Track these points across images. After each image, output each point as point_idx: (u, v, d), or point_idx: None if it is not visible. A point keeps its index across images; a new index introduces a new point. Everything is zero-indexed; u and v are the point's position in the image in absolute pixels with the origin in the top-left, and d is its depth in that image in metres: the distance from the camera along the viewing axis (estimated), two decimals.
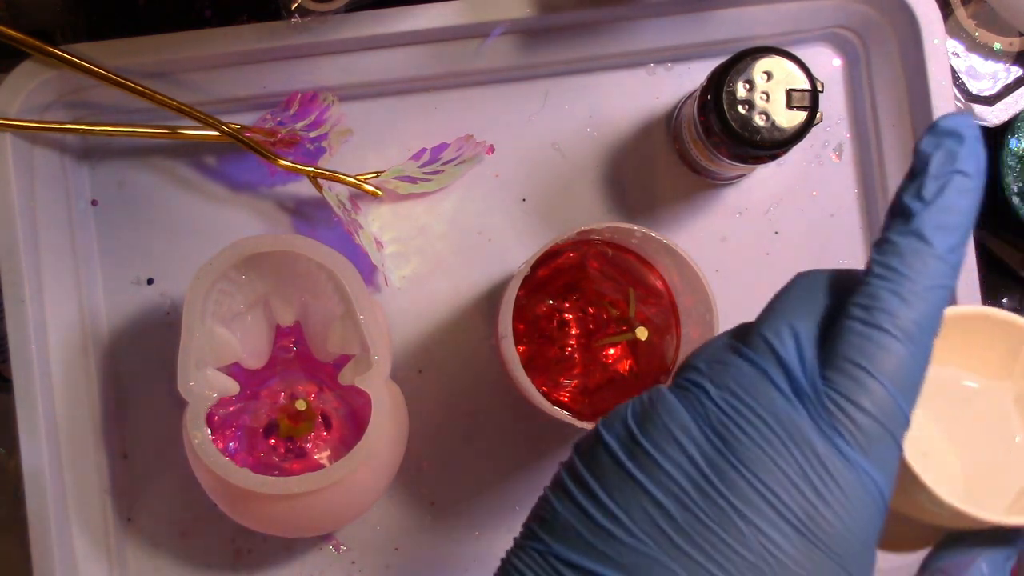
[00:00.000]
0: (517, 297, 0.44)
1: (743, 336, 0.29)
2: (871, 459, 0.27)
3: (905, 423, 0.27)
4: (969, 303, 0.50)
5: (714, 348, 0.30)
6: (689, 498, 0.27)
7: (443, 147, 0.53)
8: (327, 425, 0.50)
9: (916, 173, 0.28)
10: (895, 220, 0.28)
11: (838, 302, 0.29)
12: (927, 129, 0.28)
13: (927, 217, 0.27)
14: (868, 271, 0.28)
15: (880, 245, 0.28)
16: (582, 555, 0.27)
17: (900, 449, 0.28)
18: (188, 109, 0.50)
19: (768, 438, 0.27)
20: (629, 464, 0.28)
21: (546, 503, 0.29)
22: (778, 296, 0.30)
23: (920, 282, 0.27)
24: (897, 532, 0.33)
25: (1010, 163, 0.54)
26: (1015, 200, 0.54)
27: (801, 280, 0.30)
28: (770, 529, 0.26)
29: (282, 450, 0.50)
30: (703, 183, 0.54)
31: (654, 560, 0.26)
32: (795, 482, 0.26)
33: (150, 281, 0.53)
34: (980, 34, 0.56)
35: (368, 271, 0.52)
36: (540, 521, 0.29)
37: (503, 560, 0.29)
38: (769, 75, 0.45)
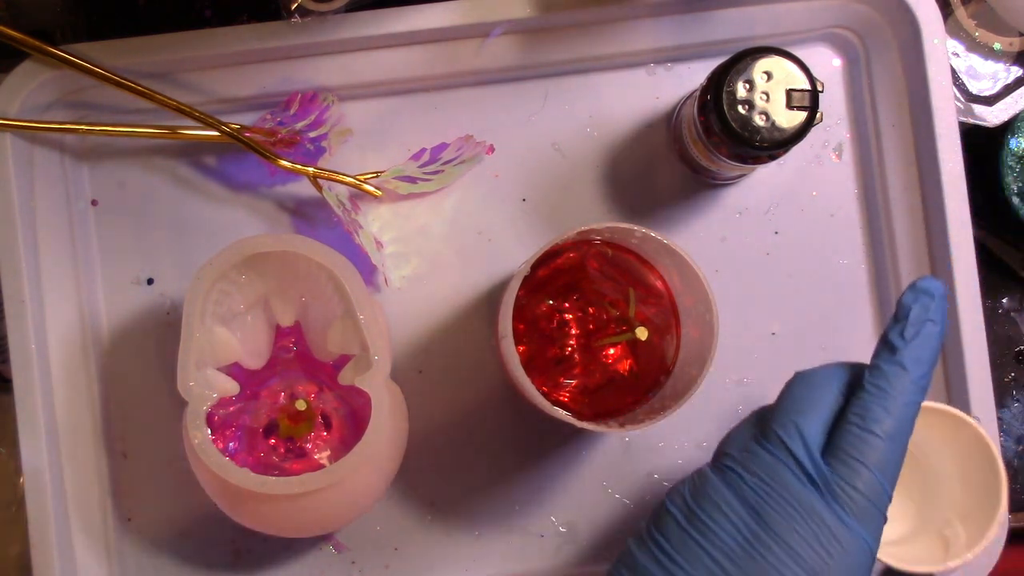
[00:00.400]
0: (517, 297, 0.44)
1: (762, 428, 0.40)
2: (864, 526, 0.37)
3: (888, 499, 0.38)
4: (969, 303, 0.50)
5: (741, 438, 0.40)
6: (735, 554, 0.37)
7: (443, 147, 0.53)
8: (327, 425, 0.50)
9: (899, 319, 0.39)
10: (883, 351, 0.39)
11: (829, 395, 0.39)
12: (909, 287, 0.39)
13: (907, 353, 0.38)
14: (860, 386, 0.39)
15: (872, 370, 0.39)
16: None
17: (885, 519, 0.38)
18: (188, 109, 0.50)
19: (789, 512, 0.37)
20: (689, 528, 0.38)
21: (629, 552, 0.40)
22: (784, 395, 0.40)
23: (900, 399, 0.38)
24: None
25: (1010, 163, 0.54)
26: (1015, 200, 0.54)
27: (800, 380, 0.41)
28: None
29: (282, 450, 0.50)
30: (703, 183, 0.54)
31: None
32: (811, 543, 0.37)
33: (150, 281, 0.53)
34: (980, 34, 0.56)
35: (368, 271, 0.52)
36: (626, 565, 0.39)
37: None
38: (769, 75, 0.45)
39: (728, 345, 0.51)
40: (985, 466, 0.46)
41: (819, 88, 0.45)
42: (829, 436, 0.39)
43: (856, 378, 0.40)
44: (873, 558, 0.38)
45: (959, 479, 0.48)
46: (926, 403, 0.46)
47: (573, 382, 0.49)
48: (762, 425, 0.40)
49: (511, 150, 0.54)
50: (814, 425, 0.39)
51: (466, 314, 0.53)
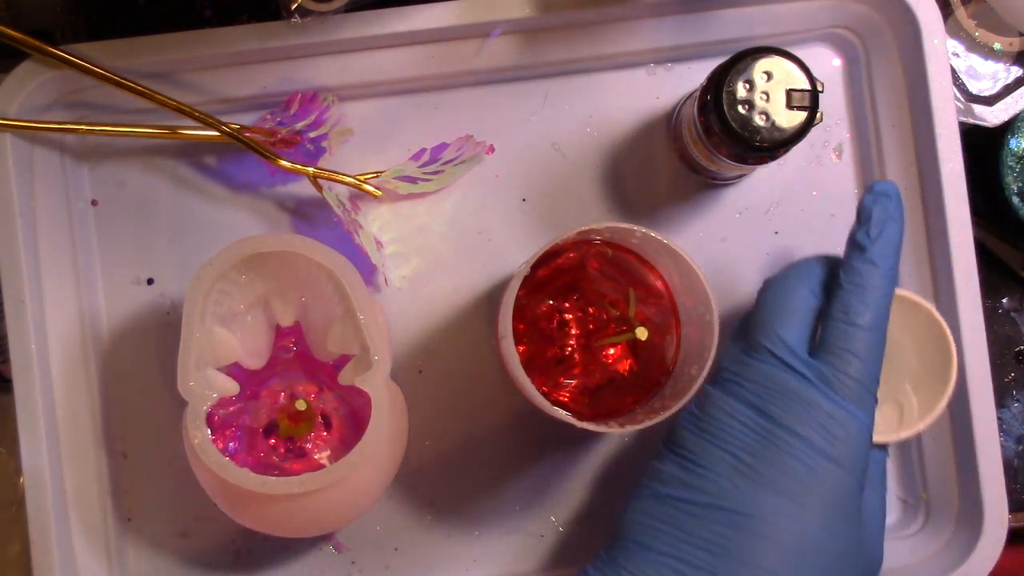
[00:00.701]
0: (517, 297, 0.44)
1: (748, 340, 0.44)
2: (860, 408, 0.42)
3: (876, 383, 0.43)
4: (969, 303, 0.50)
5: (732, 355, 0.44)
6: (750, 447, 0.42)
7: (443, 147, 0.53)
8: (327, 425, 0.50)
9: (863, 220, 0.44)
10: (853, 252, 0.43)
11: (803, 298, 0.44)
12: (867, 190, 0.44)
13: (875, 249, 0.43)
14: (838, 284, 0.43)
15: (845, 269, 0.43)
16: (681, 491, 0.42)
17: (876, 400, 0.43)
18: (188, 109, 0.50)
19: (791, 405, 0.42)
20: (703, 435, 0.42)
21: (653, 467, 0.44)
22: (761, 305, 0.45)
23: (875, 292, 0.43)
24: None
25: (1010, 163, 0.54)
26: (1015, 200, 0.54)
27: (773, 287, 0.45)
28: (807, 459, 0.41)
29: (282, 450, 0.50)
30: (703, 183, 0.54)
31: (731, 486, 0.41)
32: (816, 429, 0.41)
33: (150, 281, 0.53)
34: (980, 34, 0.56)
35: (368, 271, 0.52)
36: (650, 476, 0.43)
37: (628, 504, 0.43)
38: (769, 75, 0.45)
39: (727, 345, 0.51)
40: (939, 346, 0.48)
41: (819, 88, 0.45)
42: (817, 332, 0.43)
43: (824, 275, 0.45)
44: (871, 435, 0.42)
45: (915, 355, 0.50)
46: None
47: (573, 382, 0.49)
48: (748, 338, 0.44)
49: (511, 150, 0.54)
50: (796, 330, 0.43)
51: (466, 314, 0.53)
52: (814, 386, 0.42)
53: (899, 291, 0.48)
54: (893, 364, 0.50)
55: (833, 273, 0.45)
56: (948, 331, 0.48)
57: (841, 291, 0.43)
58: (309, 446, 0.50)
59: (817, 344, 0.43)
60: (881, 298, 0.43)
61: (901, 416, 0.49)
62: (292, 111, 0.52)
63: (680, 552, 0.41)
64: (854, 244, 0.44)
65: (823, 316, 0.43)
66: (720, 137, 0.46)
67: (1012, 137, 0.54)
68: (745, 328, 0.45)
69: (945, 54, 0.51)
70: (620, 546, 0.43)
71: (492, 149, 0.54)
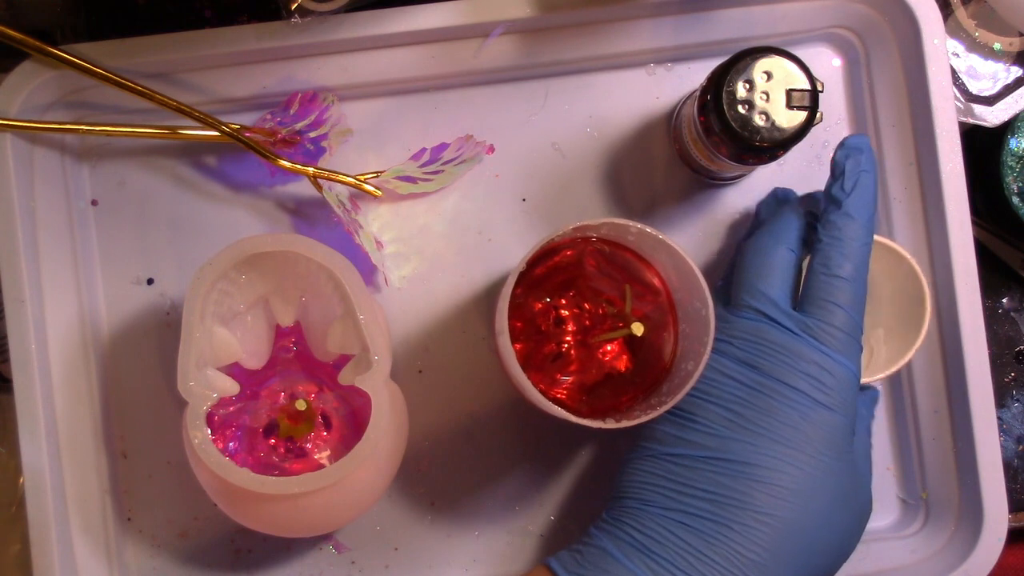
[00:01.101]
0: (514, 294, 0.44)
1: (733, 299, 0.45)
2: (846, 356, 0.43)
3: (860, 330, 0.44)
4: (969, 303, 0.50)
5: (718, 315, 0.44)
6: (742, 398, 0.43)
7: (443, 147, 0.53)
8: (327, 425, 0.50)
9: (836, 175, 0.45)
10: (830, 206, 0.45)
11: (781, 256, 0.45)
12: (839, 145, 0.45)
13: (850, 202, 0.44)
14: (817, 239, 0.44)
15: (824, 224, 0.44)
16: (678, 447, 0.43)
17: (861, 347, 0.44)
18: (188, 109, 0.50)
19: (781, 357, 0.43)
20: (697, 393, 0.44)
21: (648, 427, 0.45)
22: (740, 266, 0.46)
23: (854, 243, 0.44)
24: None
25: (1010, 163, 0.54)
26: (1015, 200, 0.54)
27: (750, 249, 0.46)
28: (798, 406, 0.42)
29: (282, 450, 0.50)
30: (703, 183, 0.54)
31: (727, 438, 0.42)
32: (805, 379, 0.42)
33: (150, 281, 0.53)
34: (980, 34, 0.56)
35: (368, 271, 0.52)
36: (646, 438, 0.45)
37: (625, 466, 0.45)
38: (769, 75, 0.45)
39: None
40: (915, 298, 0.49)
41: (819, 88, 0.45)
42: (800, 285, 0.45)
43: (800, 229, 0.46)
44: (859, 381, 0.44)
45: (890, 303, 0.51)
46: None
47: (570, 379, 0.49)
48: (733, 298, 0.45)
49: (511, 150, 0.54)
50: (778, 286, 0.44)
51: (466, 314, 0.53)
52: (800, 338, 0.43)
53: (886, 241, 0.49)
54: (868, 309, 0.51)
55: (811, 226, 0.46)
56: (926, 286, 0.49)
57: (820, 244, 0.44)
58: (309, 446, 0.50)
59: (800, 297, 0.44)
60: (860, 248, 0.44)
61: (868, 361, 0.50)
62: (292, 111, 0.52)
63: (682, 504, 0.42)
64: (830, 198, 0.45)
65: (805, 270, 0.45)
66: (720, 137, 0.46)
67: (1012, 137, 0.54)
68: (727, 290, 0.46)
69: (945, 54, 0.51)
70: (621, 506, 0.43)
71: (492, 149, 0.54)
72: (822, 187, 0.54)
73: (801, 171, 0.54)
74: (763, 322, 0.44)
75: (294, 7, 0.49)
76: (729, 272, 0.49)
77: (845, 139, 0.45)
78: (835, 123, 0.54)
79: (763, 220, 0.47)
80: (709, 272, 0.53)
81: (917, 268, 0.49)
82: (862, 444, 0.46)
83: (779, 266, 0.45)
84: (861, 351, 0.44)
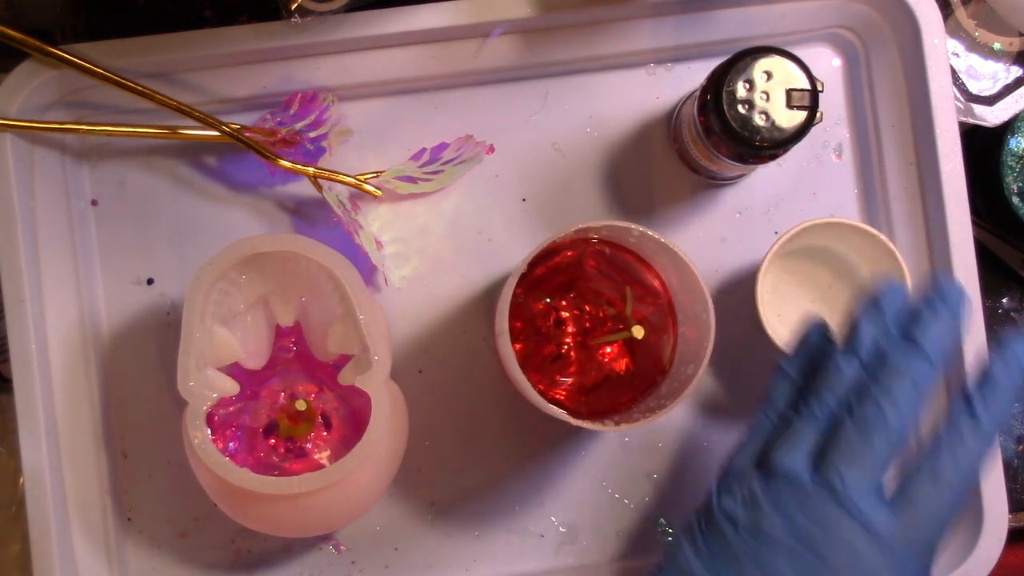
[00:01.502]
0: (514, 295, 0.44)
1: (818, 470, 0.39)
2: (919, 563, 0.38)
3: (942, 538, 0.39)
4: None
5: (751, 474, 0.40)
6: None
7: (443, 147, 0.53)
8: (327, 425, 0.50)
9: (985, 385, 0.39)
10: (962, 410, 0.39)
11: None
12: (998, 351, 0.40)
13: (986, 417, 0.39)
14: (937, 436, 0.39)
15: (950, 425, 0.39)
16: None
17: (936, 553, 0.39)
18: (188, 109, 0.50)
19: (847, 553, 0.38)
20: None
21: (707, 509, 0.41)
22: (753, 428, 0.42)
23: (970, 455, 0.39)
24: None
25: (1010, 163, 0.54)
26: (1015, 200, 0.54)
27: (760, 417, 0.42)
28: None
29: (282, 450, 0.50)
30: (703, 183, 0.54)
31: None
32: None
33: (150, 281, 0.53)
34: (980, 34, 0.56)
35: (368, 271, 0.52)
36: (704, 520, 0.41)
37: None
38: (769, 75, 0.45)
39: (725, 346, 0.51)
40: (891, 267, 0.49)
41: (819, 88, 0.45)
42: (899, 480, 0.39)
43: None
44: None
45: (869, 274, 0.51)
46: (848, 222, 0.50)
47: (569, 380, 0.49)
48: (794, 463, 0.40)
49: (511, 150, 0.54)
50: (871, 474, 0.39)
51: (466, 314, 0.53)
52: (875, 542, 0.38)
53: (851, 222, 0.50)
54: (846, 280, 0.52)
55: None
56: (901, 257, 0.49)
57: (939, 445, 0.39)
58: (309, 446, 0.50)
59: (896, 493, 0.39)
60: (975, 459, 0.39)
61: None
62: (292, 111, 0.52)
63: None
64: (966, 401, 0.40)
65: (909, 464, 0.40)
66: (720, 137, 0.46)
67: (1012, 137, 0.54)
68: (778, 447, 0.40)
69: (945, 54, 0.51)
70: None
71: (492, 149, 0.54)
72: (822, 187, 0.54)
73: (801, 171, 0.54)
74: (838, 511, 0.38)
75: (294, 7, 0.49)
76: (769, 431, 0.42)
77: (1012, 342, 0.40)
78: (835, 123, 0.54)
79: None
80: (708, 273, 0.53)
81: (890, 244, 0.49)
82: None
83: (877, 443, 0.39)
84: (936, 556, 0.40)
